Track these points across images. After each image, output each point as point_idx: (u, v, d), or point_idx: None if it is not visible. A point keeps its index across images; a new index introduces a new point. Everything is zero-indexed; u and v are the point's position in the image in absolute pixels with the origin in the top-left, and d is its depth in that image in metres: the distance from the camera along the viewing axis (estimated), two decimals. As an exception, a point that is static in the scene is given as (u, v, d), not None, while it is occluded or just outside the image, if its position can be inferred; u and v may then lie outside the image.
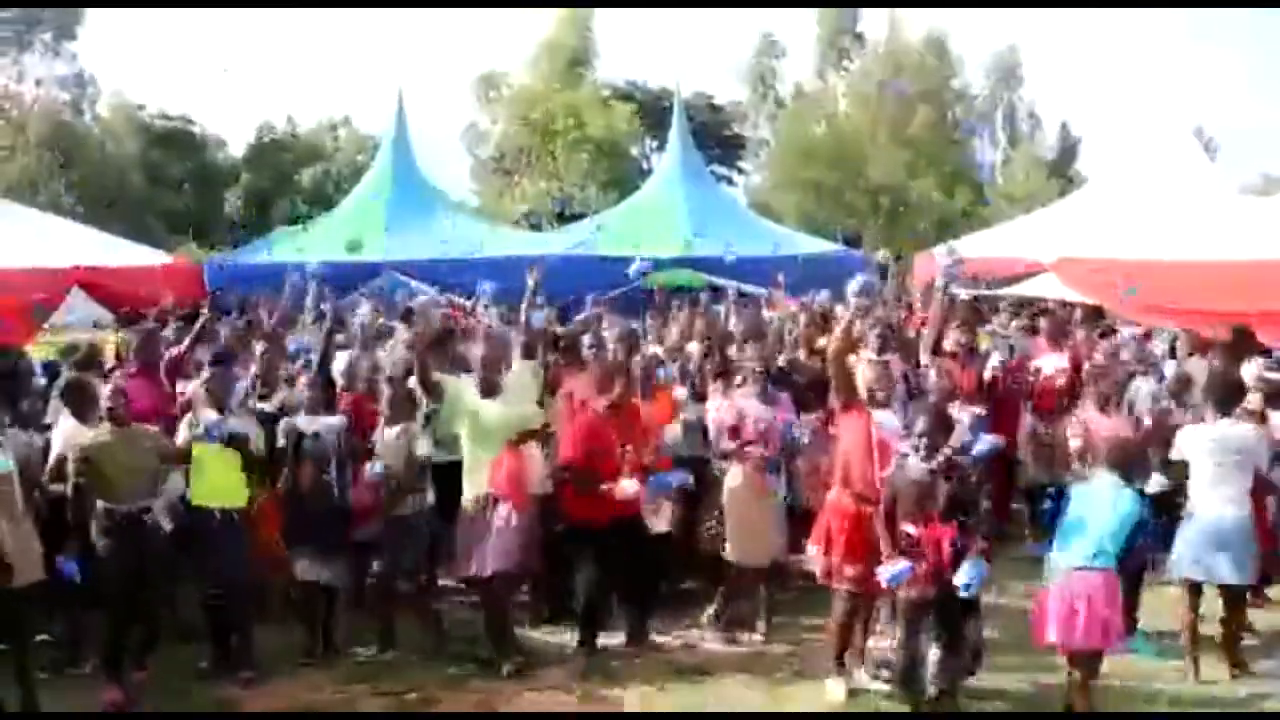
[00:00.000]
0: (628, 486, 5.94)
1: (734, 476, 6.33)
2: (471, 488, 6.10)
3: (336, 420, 6.36)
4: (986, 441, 5.70)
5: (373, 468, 6.11)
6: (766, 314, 11.03)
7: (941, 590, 4.88)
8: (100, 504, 5.62)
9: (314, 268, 10.14)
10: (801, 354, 8.04)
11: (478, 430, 6.11)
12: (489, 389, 6.16)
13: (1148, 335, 9.95)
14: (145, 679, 5.78)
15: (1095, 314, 11.75)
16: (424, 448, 6.29)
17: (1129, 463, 5.38)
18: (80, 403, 6.06)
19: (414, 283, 13.81)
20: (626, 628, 6.44)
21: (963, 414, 6.37)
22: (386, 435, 6.29)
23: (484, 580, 6.02)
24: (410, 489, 6.22)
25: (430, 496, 6.34)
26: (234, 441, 5.88)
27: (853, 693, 5.71)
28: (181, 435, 6.01)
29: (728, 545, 6.33)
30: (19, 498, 5.37)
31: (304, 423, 6.27)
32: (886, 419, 5.67)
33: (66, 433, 5.96)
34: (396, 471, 6.15)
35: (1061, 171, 36.01)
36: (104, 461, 5.60)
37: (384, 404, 6.38)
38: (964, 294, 13.20)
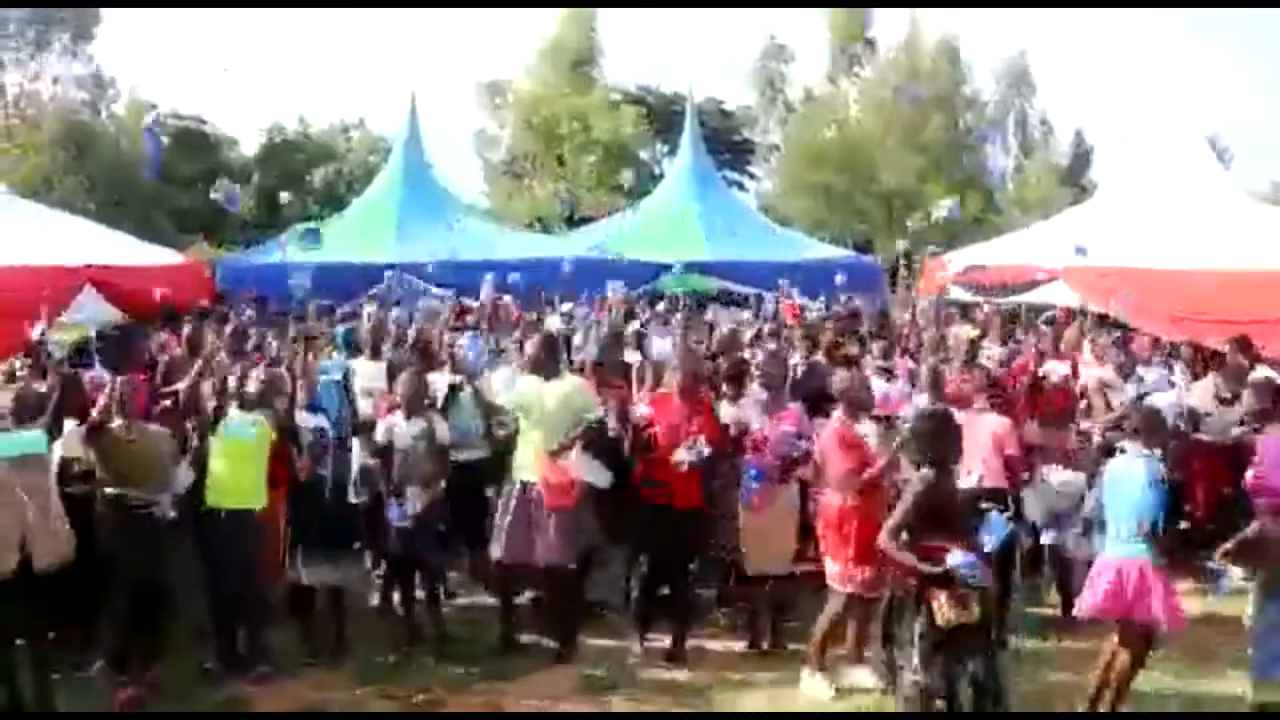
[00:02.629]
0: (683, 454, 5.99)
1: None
2: (523, 472, 6.23)
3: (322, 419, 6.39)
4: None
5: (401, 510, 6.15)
6: (785, 318, 11.07)
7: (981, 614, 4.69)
8: (111, 491, 5.63)
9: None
10: (821, 357, 8.01)
11: (538, 414, 6.26)
12: (550, 374, 6.37)
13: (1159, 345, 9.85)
14: (159, 675, 5.78)
15: (1104, 321, 11.70)
16: (444, 434, 6.40)
17: (1156, 431, 5.36)
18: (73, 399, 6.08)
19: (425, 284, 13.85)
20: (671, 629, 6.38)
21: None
22: (405, 428, 6.30)
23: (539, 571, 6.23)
24: (431, 479, 6.24)
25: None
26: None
27: (841, 691, 5.76)
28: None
29: (743, 553, 6.26)
30: (51, 480, 5.40)
31: (300, 419, 6.31)
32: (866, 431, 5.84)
33: (66, 435, 5.93)
34: (416, 464, 6.20)
35: (1075, 179, 35.88)
36: (115, 457, 5.63)
37: (401, 398, 6.42)
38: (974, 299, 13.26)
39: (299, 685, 5.90)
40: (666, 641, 6.35)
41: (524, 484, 6.21)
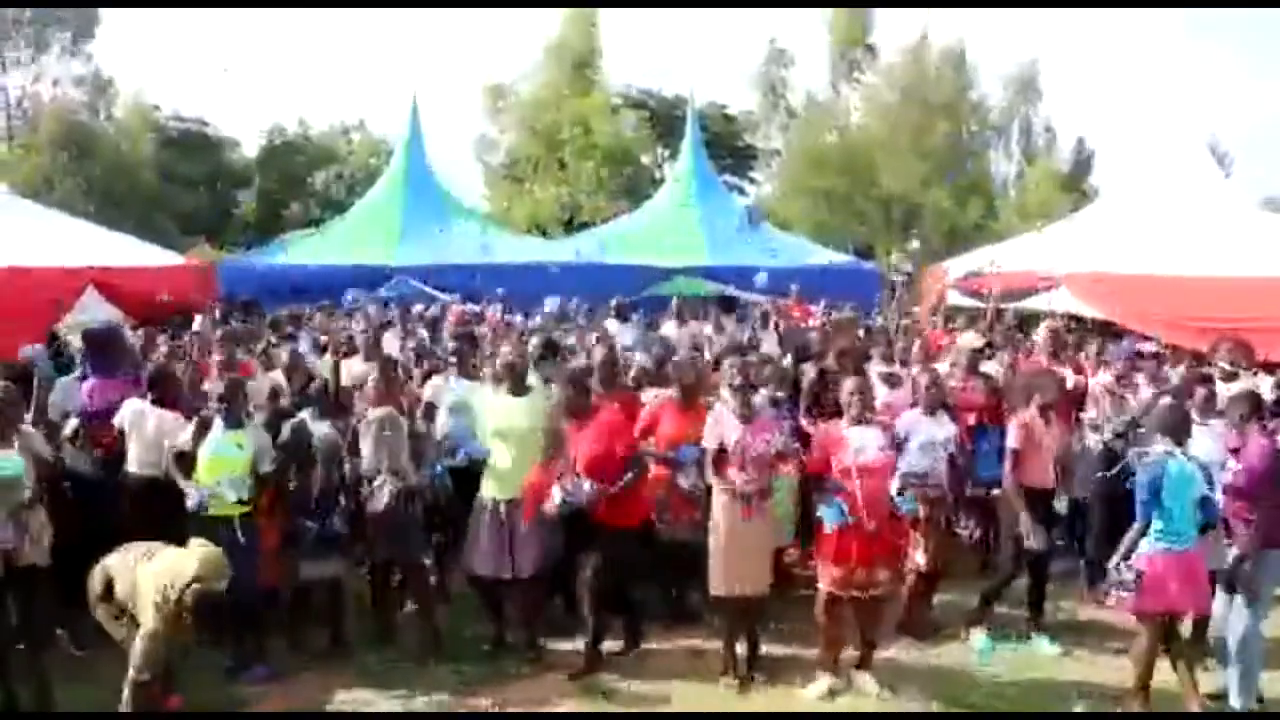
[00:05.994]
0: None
1: (717, 503, 5.92)
2: (495, 488, 6.16)
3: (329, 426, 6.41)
4: None
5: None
6: (782, 323, 11.06)
7: None
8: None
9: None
10: (832, 361, 7.97)
11: (500, 431, 6.20)
12: (515, 390, 6.33)
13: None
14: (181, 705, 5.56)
15: (1106, 328, 11.73)
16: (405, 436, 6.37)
17: (1179, 426, 5.46)
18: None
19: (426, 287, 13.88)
20: (624, 633, 6.38)
21: None
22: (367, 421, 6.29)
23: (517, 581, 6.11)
24: (394, 472, 6.18)
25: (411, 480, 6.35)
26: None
27: (832, 693, 5.76)
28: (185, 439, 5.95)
29: (711, 577, 5.91)
30: (25, 495, 5.34)
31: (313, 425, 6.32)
32: (864, 436, 5.69)
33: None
34: (380, 461, 6.18)
35: (1076, 185, 35.84)
36: None
37: (370, 393, 6.45)
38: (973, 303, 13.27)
39: (299, 685, 5.89)
40: (657, 643, 6.40)
41: (495, 501, 6.12)
